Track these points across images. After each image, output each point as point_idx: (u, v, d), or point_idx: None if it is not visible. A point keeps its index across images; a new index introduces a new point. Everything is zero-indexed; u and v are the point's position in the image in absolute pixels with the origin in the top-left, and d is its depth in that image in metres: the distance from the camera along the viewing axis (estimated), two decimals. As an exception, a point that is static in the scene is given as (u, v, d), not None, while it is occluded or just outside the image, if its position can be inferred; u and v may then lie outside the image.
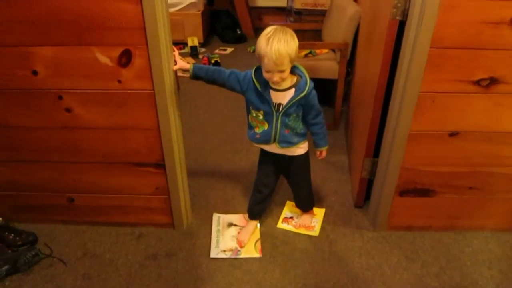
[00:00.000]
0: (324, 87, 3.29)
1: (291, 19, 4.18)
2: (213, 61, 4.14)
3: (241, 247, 1.85)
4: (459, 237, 1.91)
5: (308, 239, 1.90)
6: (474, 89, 1.55)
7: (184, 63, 1.65)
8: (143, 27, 1.46)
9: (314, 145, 1.75)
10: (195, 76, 1.65)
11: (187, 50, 4.47)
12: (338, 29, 2.75)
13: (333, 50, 2.98)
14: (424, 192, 1.83)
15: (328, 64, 2.85)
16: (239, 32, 4.90)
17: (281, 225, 1.98)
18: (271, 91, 1.56)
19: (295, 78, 1.56)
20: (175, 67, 1.63)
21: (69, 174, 1.84)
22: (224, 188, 2.25)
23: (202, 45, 4.66)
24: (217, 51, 4.56)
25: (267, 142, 1.67)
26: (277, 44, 1.39)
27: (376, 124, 1.80)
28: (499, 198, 1.84)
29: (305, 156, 1.78)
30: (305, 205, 1.98)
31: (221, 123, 2.93)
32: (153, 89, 1.58)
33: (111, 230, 1.95)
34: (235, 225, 1.98)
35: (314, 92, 1.59)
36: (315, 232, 1.93)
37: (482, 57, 1.48)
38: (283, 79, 1.49)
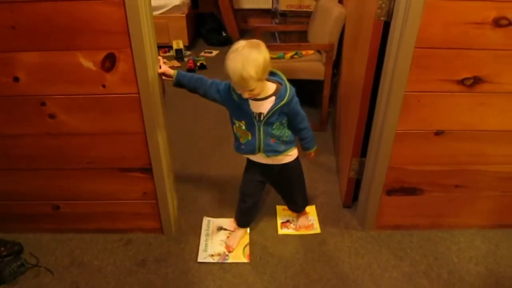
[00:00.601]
0: (310, 89, 3.31)
1: (277, 21, 4.20)
2: (198, 64, 4.13)
3: (229, 252, 1.84)
4: (446, 235, 1.93)
5: (298, 240, 1.90)
6: (458, 89, 1.57)
7: (168, 69, 1.63)
8: (127, 31, 1.44)
9: (302, 149, 1.74)
10: (178, 83, 1.62)
11: (172, 53, 4.44)
12: (323, 31, 2.76)
13: (319, 52, 3.00)
14: (411, 191, 1.84)
15: (314, 65, 2.87)
16: (224, 34, 4.89)
17: (281, 231, 1.96)
18: (250, 101, 1.52)
19: (274, 86, 1.52)
20: (160, 71, 1.62)
21: (54, 181, 1.81)
22: (212, 192, 2.23)
23: (188, 48, 4.63)
24: (202, 53, 4.55)
25: (252, 152, 1.64)
26: (240, 68, 1.34)
27: (363, 124, 1.81)
28: (485, 195, 1.87)
29: (296, 162, 1.75)
30: (301, 208, 1.98)
31: (208, 126, 2.92)
32: (138, 93, 1.56)
33: (98, 237, 1.92)
34: (225, 229, 1.97)
35: (296, 98, 1.55)
36: (317, 229, 1.96)
37: (466, 57, 1.50)
38: (256, 95, 1.46)
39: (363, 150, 1.90)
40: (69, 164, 1.76)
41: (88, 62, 1.52)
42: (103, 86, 1.56)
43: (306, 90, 3.36)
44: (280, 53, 3.03)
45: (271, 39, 4.01)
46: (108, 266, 1.77)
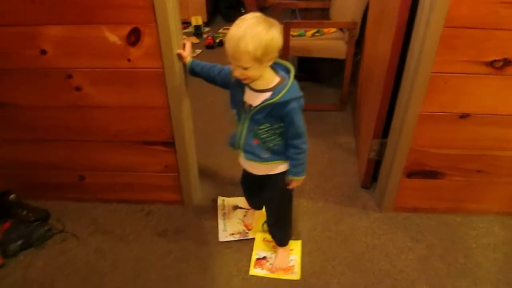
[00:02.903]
0: (331, 68, 3.27)
1: (299, -3, 4.11)
2: (217, 40, 4.11)
3: (249, 229, 1.85)
4: (464, 220, 1.92)
5: (314, 218, 1.92)
6: (487, 71, 1.53)
7: (187, 54, 1.57)
8: (152, 5, 1.45)
9: (287, 172, 1.45)
10: (192, 70, 1.56)
11: (191, 29, 4.42)
12: (346, 8, 2.71)
13: (341, 30, 2.94)
14: (432, 174, 1.83)
15: (335, 43, 2.82)
16: (243, 11, 4.83)
17: (253, 271, 1.65)
18: (246, 88, 1.35)
19: (277, 80, 1.30)
20: (179, 51, 1.56)
21: (80, 152, 1.86)
22: (231, 168, 2.26)
23: (206, 24, 4.61)
24: (221, 30, 4.51)
25: (232, 145, 1.46)
26: (239, 36, 1.16)
27: (386, 105, 1.80)
28: (506, 182, 1.84)
29: (281, 178, 1.46)
30: (274, 238, 1.71)
31: (228, 104, 2.92)
32: (163, 68, 1.58)
33: (121, 207, 1.99)
34: (241, 207, 1.97)
35: (293, 107, 1.28)
36: (296, 274, 1.63)
37: (496, 38, 1.46)
38: (247, 78, 1.26)
39: (384, 131, 1.88)
40: (94, 136, 1.80)
41: (113, 36, 1.53)
42: (128, 60, 1.58)
43: (327, 69, 3.33)
44: (301, 31, 2.99)
45: (291, 17, 3.94)
46: (130, 235, 1.84)
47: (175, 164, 1.85)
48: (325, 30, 2.98)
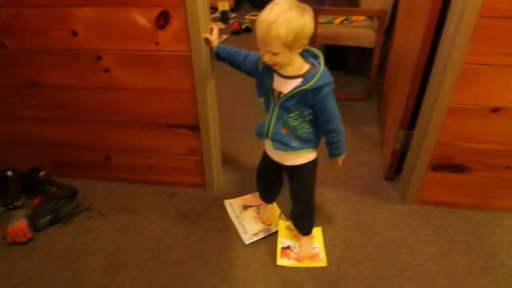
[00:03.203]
0: (358, 57, 3.22)
1: (329, -17, 4.04)
2: (244, 26, 4.09)
3: (268, 225, 1.81)
4: (490, 217, 1.87)
5: (335, 207, 1.92)
6: (522, 64, 1.47)
7: (214, 38, 1.58)
8: (181, -12, 1.46)
9: (328, 155, 1.46)
10: (217, 55, 1.57)
11: (217, 15, 4.42)
12: (377, -5, 2.65)
13: (370, 18, 2.88)
14: (458, 168, 1.79)
15: (364, 32, 2.77)
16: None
17: (280, 261, 1.65)
18: (275, 74, 1.33)
19: (307, 67, 1.29)
20: (206, 35, 1.57)
21: (106, 133, 1.91)
22: (253, 154, 2.26)
23: (233, 10, 4.60)
24: (247, 16, 4.49)
25: (260, 135, 1.44)
26: (270, 20, 1.14)
27: (414, 95, 1.76)
28: (537, 178, 1.79)
29: (308, 168, 1.47)
30: (299, 228, 1.69)
31: (253, 91, 2.91)
32: (190, 52, 1.59)
33: (145, 188, 2.04)
34: (250, 206, 1.93)
35: (327, 92, 1.27)
36: (322, 261, 1.64)
37: (534, 30, 1.40)
38: (277, 64, 1.25)
39: (411, 122, 1.85)
40: (121, 117, 1.84)
41: (142, 19, 1.55)
42: (156, 43, 1.60)
43: (354, 57, 3.28)
44: (329, 18, 2.94)
45: (319, 3, 3.88)
46: (153, 215, 1.88)
47: (199, 148, 1.87)
48: (354, 17, 2.92)
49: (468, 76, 1.52)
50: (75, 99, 1.81)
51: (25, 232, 1.74)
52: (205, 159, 1.90)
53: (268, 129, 1.40)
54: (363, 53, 2.86)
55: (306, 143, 1.40)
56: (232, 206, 1.94)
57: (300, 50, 1.25)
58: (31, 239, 1.74)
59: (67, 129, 1.93)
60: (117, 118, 1.85)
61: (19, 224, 1.75)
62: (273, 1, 1.19)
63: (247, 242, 1.73)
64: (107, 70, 1.70)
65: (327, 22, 2.92)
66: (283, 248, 1.71)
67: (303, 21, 1.16)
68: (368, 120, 2.60)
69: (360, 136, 2.44)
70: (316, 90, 1.26)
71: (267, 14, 1.16)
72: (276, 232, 1.78)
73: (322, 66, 1.27)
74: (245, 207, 1.92)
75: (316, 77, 1.24)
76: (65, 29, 1.61)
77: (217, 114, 1.87)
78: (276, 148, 1.42)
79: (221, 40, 3.63)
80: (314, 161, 1.47)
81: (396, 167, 2.04)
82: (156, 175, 2.02)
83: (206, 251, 1.70)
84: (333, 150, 1.43)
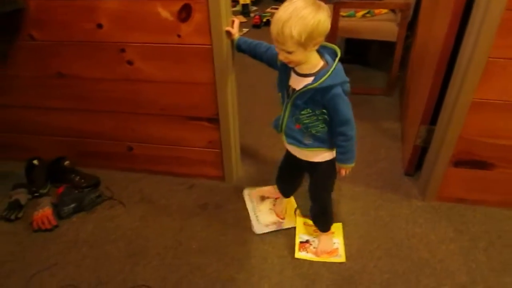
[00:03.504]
0: (379, 51, 3.17)
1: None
2: (264, 20, 4.08)
3: (282, 218, 1.81)
4: (513, 214, 1.84)
5: (353, 202, 1.91)
6: (550, 57, 1.43)
7: (234, 31, 1.59)
8: (204, -18, 1.47)
9: (335, 158, 1.41)
10: (238, 47, 1.58)
11: (238, 8, 4.43)
12: (401, -12, 2.60)
13: (393, 11, 2.83)
14: (481, 165, 1.76)
15: (386, 25, 2.73)
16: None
17: (299, 254, 1.67)
18: (292, 71, 1.32)
19: (321, 65, 1.26)
20: (228, 28, 1.58)
21: (128, 124, 1.95)
22: (272, 148, 2.28)
23: (254, 3, 4.58)
24: (268, 9, 4.48)
25: (276, 128, 1.46)
26: (284, 19, 1.13)
27: (437, 90, 1.73)
28: None
29: (326, 167, 1.45)
30: (317, 225, 1.70)
31: (272, 83, 2.92)
32: (211, 44, 1.60)
33: (165, 179, 2.07)
34: (267, 197, 1.94)
35: (337, 92, 1.23)
36: (341, 257, 1.64)
37: None
38: (292, 62, 1.24)
39: (432, 118, 1.82)
40: (143, 109, 1.88)
41: (165, 12, 1.57)
42: (178, 36, 1.62)
43: (375, 51, 3.24)
44: (351, 11, 2.91)
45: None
46: (173, 206, 1.92)
47: (219, 140, 1.89)
48: (376, 11, 2.88)
49: (493, 70, 1.48)
50: (100, 90, 1.86)
51: (50, 220, 1.80)
52: (224, 151, 1.92)
53: (282, 124, 1.41)
54: (385, 47, 2.82)
55: (320, 142, 1.38)
56: (250, 195, 1.96)
57: (315, 48, 1.23)
58: (56, 226, 1.80)
59: (91, 120, 1.98)
60: (140, 110, 1.88)
61: (44, 212, 1.82)
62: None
63: (258, 232, 1.75)
64: (130, 62, 1.73)
65: (349, 16, 2.89)
66: (301, 242, 1.71)
67: (318, 18, 1.14)
68: (389, 115, 2.57)
69: (380, 131, 2.41)
70: (325, 89, 1.23)
71: (282, 13, 1.15)
72: (289, 228, 1.77)
73: (334, 65, 1.23)
74: (263, 198, 1.94)
75: (325, 77, 1.22)
76: (90, 21, 1.65)
77: (237, 107, 1.88)
78: (288, 143, 1.44)
79: (242, 33, 3.63)
80: (332, 161, 1.43)
81: (416, 163, 2.01)
82: (176, 166, 2.05)
83: (224, 242, 1.73)
84: (339, 155, 1.38)
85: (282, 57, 1.23)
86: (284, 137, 1.45)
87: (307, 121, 1.33)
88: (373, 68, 3.09)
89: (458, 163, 1.77)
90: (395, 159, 2.19)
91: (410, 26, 2.62)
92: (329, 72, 1.22)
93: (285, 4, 1.16)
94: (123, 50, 1.71)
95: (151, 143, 1.99)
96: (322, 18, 1.15)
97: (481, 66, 1.48)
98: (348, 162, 1.38)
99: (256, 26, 4.06)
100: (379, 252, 1.66)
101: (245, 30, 3.97)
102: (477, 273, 1.57)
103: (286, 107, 1.36)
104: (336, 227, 1.75)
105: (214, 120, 1.83)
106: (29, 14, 1.67)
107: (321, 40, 1.20)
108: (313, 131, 1.35)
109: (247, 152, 2.22)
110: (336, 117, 1.29)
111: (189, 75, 1.72)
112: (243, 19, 4.24)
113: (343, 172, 1.41)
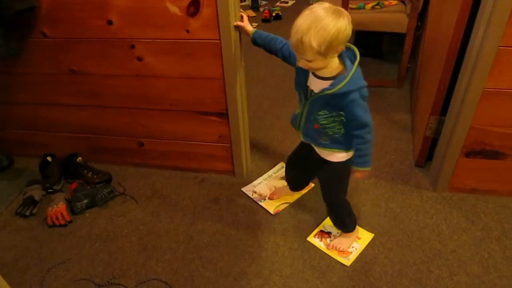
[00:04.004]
0: (389, 42, 3.15)
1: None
2: (274, 14, 4.07)
3: (269, 199, 1.89)
4: (526, 204, 1.82)
5: (364, 194, 1.91)
6: (563, 44, 1.41)
7: (247, 25, 1.59)
8: (211, -24, 1.48)
9: (352, 162, 1.40)
10: (254, 41, 1.56)
11: (247, 2, 4.42)
12: (410, -21, 2.57)
13: (403, 2, 2.81)
14: (492, 155, 1.74)
15: (396, 16, 2.70)
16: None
17: (312, 238, 1.71)
18: (311, 73, 1.30)
19: (340, 69, 1.24)
20: (238, 23, 1.59)
21: (139, 120, 1.97)
22: (282, 142, 2.29)
23: (263, -3, 4.57)
24: (278, 3, 4.47)
25: (294, 125, 1.48)
26: (304, 30, 1.11)
27: (447, 80, 1.71)
28: None
29: (339, 166, 1.44)
30: (338, 226, 1.68)
31: (281, 77, 2.93)
32: (220, 39, 1.61)
33: (176, 174, 2.09)
34: (284, 184, 1.93)
35: (355, 97, 1.21)
36: (348, 260, 1.60)
37: None
38: (313, 69, 1.24)
39: (443, 108, 1.81)
40: (153, 104, 1.89)
41: (174, 7, 1.58)
42: (187, 31, 1.63)
43: (385, 43, 3.21)
44: (360, 3, 2.89)
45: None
46: (184, 200, 1.94)
47: (228, 135, 1.90)
48: (386, 2, 2.85)
49: (503, 59, 1.47)
50: (110, 86, 1.88)
51: (64, 215, 1.83)
52: (234, 146, 1.93)
53: (300, 123, 1.43)
54: (395, 38, 2.80)
55: (337, 143, 1.37)
56: (279, 169, 2.03)
57: (336, 55, 1.20)
58: (69, 222, 1.83)
59: (102, 116, 2.00)
60: (150, 105, 1.90)
61: (58, 207, 1.85)
62: (310, 7, 1.15)
63: (242, 189, 1.94)
64: (139, 58, 1.75)
65: (358, 8, 2.87)
66: (322, 231, 1.74)
67: (338, 27, 1.11)
68: (400, 106, 2.56)
69: (391, 122, 2.40)
70: (342, 95, 1.21)
71: (301, 23, 1.12)
72: (263, 208, 1.84)
73: (353, 70, 1.20)
74: (283, 178, 1.99)
75: (343, 83, 1.19)
76: (101, 18, 1.67)
77: (246, 101, 1.89)
78: (305, 141, 1.47)
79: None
80: (346, 163, 1.41)
81: (427, 154, 2.00)
82: (187, 161, 2.07)
83: (235, 235, 1.74)
84: (356, 158, 1.36)
85: (302, 64, 1.21)
86: (301, 136, 1.47)
87: (324, 122, 1.32)
88: (383, 60, 3.07)
89: (470, 153, 1.75)
90: (406, 151, 2.18)
91: (420, 17, 2.60)
92: (348, 78, 1.19)
93: (305, 12, 1.14)
94: (133, 46, 1.72)
95: (162, 138, 2.01)
96: (342, 27, 1.12)
97: (492, 55, 1.46)
98: (365, 165, 1.36)
99: (265, 21, 4.05)
100: (390, 244, 1.66)
101: (254, 24, 3.96)
102: (489, 263, 1.56)
103: (304, 107, 1.37)
104: (366, 236, 1.71)
105: (224, 115, 1.84)
106: (41, 11, 1.70)
107: (342, 48, 1.18)
108: (330, 132, 1.34)
109: (257, 147, 2.23)
110: (352, 121, 1.28)
111: (198, 70, 1.73)
112: (252, 14, 4.24)
113: (358, 175, 1.39)
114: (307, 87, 1.33)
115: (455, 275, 1.53)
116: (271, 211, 1.83)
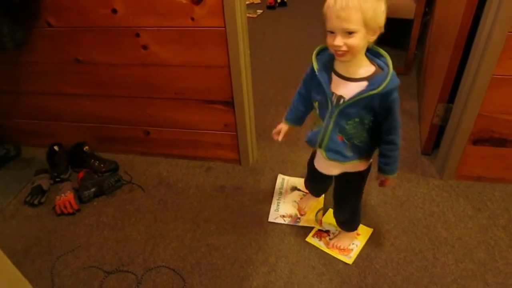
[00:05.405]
0: (396, 29, 3.10)
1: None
2: (279, 0, 4.02)
3: (301, 215, 1.76)
4: (534, 191, 1.81)
5: (369, 182, 1.89)
6: None
7: (283, 131, 1.49)
8: (216, -38, 1.46)
9: (378, 169, 1.32)
10: (295, 123, 1.47)
11: (253, -11, 4.37)
12: (418, -37, 2.52)
13: (411, -13, 2.76)
14: (500, 142, 1.73)
15: (404, 2, 2.66)
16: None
17: (310, 238, 1.67)
18: (333, 75, 1.19)
19: (373, 69, 1.15)
20: (280, 138, 1.49)
21: (145, 109, 1.97)
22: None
23: (269, -17, 4.51)
24: (283, -10, 4.42)
25: (313, 144, 1.35)
26: None
27: (455, 67, 1.69)
28: None
29: (359, 174, 1.37)
30: (344, 227, 1.62)
31: (287, 66, 2.91)
32: (225, 27, 1.60)
33: (182, 162, 2.10)
34: (299, 189, 1.90)
35: (396, 96, 1.14)
36: (350, 258, 1.57)
37: None
38: (348, 52, 1.08)
39: (450, 96, 1.79)
40: (158, 93, 1.89)
41: (178, -5, 1.57)
42: (192, 19, 1.62)
43: (392, 30, 3.16)
44: (367, -11, 2.84)
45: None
46: (191, 189, 1.95)
47: (234, 123, 1.90)
48: (392, -12, 2.81)
49: (514, 45, 1.45)
50: (116, 76, 1.88)
51: (72, 204, 1.85)
52: (240, 134, 1.93)
53: (323, 138, 1.28)
54: (402, 25, 2.76)
55: (361, 152, 1.29)
56: (283, 182, 1.94)
57: (373, 39, 1.11)
58: (77, 210, 1.85)
59: (108, 105, 2.00)
60: (155, 94, 1.90)
61: (66, 196, 1.87)
62: None
63: (270, 220, 1.75)
64: (145, 47, 1.74)
65: (364, -6, 2.82)
66: (320, 230, 1.70)
67: (381, 4, 1.05)
68: (406, 94, 2.54)
69: (397, 111, 2.38)
70: (386, 95, 1.12)
71: None
72: (303, 227, 1.72)
73: (391, 68, 1.13)
74: (293, 189, 1.91)
75: (387, 81, 1.10)
76: (105, 6, 1.66)
77: (252, 89, 1.88)
78: (331, 159, 1.30)
79: (256, 15, 3.57)
80: (365, 171, 1.37)
81: (434, 142, 1.99)
82: (193, 150, 2.08)
83: (241, 223, 1.75)
84: (384, 165, 1.29)
85: (340, 42, 1.06)
86: (324, 153, 1.31)
87: (352, 131, 1.22)
88: (390, 47, 3.02)
89: (477, 141, 1.74)
90: (412, 138, 2.17)
91: (428, 3, 2.56)
92: (390, 75, 1.11)
93: None
94: (138, 35, 1.72)
95: (168, 127, 2.02)
96: (383, 6, 1.06)
97: (501, 42, 1.44)
98: (394, 172, 1.30)
99: (270, 7, 3.99)
100: (396, 231, 1.67)
101: (259, 11, 3.92)
102: (495, 250, 1.57)
103: (330, 117, 1.22)
104: (365, 231, 1.68)
105: (229, 103, 1.84)
106: (46, 1, 1.69)
107: (380, 30, 1.10)
108: (356, 141, 1.25)
109: (263, 135, 2.23)
110: (388, 123, 1.19)
111: (204, 58, 1.72)
112: (257, 1, 4.19)
113: (388, 183, 1.33)
114: (332, 94, 1.19)
115: (461, 262, 1.53)
116: (318, 226, 1.71)
